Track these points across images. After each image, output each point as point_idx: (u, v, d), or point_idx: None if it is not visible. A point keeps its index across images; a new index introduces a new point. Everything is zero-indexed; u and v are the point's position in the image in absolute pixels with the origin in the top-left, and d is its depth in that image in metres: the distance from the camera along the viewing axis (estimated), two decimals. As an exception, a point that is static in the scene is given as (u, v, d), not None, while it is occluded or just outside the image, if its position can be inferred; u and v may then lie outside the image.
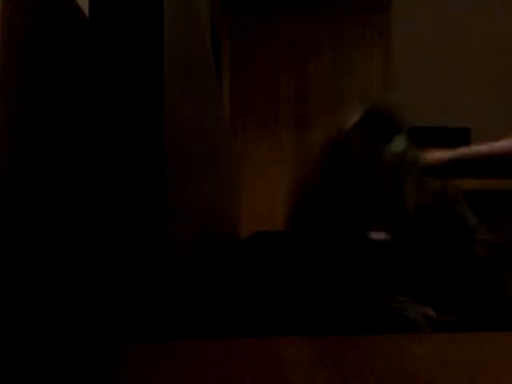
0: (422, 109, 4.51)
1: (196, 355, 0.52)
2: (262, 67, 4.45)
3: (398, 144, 1.00)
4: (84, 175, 0.60)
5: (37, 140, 0.53)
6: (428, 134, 4.28)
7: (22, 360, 0.48)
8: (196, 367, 0.50)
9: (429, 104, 4.55)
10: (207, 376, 0.49)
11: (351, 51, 4.48)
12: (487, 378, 0.49)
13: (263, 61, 4.46)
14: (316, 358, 0.51)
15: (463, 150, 1.15)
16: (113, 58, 0.57)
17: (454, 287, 0.83)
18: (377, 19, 4.35)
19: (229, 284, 0.87)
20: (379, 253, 0.83)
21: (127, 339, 0.53)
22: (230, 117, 4.18)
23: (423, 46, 4.51)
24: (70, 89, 0.61)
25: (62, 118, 0.59)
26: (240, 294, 0.80)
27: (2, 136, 0.47)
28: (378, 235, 0.86)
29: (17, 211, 0.49)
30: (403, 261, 0.84)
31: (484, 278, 0.86)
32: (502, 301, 0.83)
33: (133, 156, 0.56)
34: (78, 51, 0.63)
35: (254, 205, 4.12)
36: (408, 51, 4.57)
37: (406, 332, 0.73)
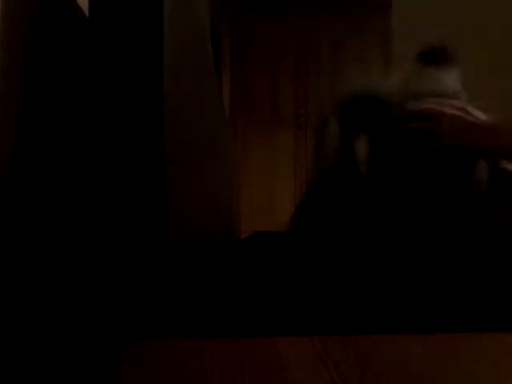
0: (422, 109, 4.49)
1: (196, 355, 0.52)
2: (261, 67, 4.45)
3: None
4: (84, 175, 0.60)
5: (37, 139, 0.53)
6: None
7: (22, 359, 0.48)
8: (196, 367, 0.50)
9: (429, 104, 4.53)
10: (207, 376, 0.49)
11: (351, 51, 4.47)
12: (488, 377, 0.49)
13: (263, 61, 4.46)
14: (316, 358, 0.51)
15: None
16: (113, 57, 0.57)
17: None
18: (377, 19, 4.34)
19: (228, 284, 0.87)
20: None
21: (127, 339, 0.53)
22: (230, 117, 4.18)
23: (423, 46, 4.49)
24: (70, 88, 0.61)
25: (63, 117, 0.59)
26: (239, 294, 0.80)
27: (2, 136, 0.47)
28: None
29: (18, 211, 0.49)
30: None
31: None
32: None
33: (133, 156, 0.56)
34: (77, 51, 0.63)
35: (254, 205, 4.12)
36: (408, 51, 4.56)
37: None
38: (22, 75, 0.51)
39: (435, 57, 0.94)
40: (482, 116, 0.87)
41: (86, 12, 0.61)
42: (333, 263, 0.82)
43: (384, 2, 4.32)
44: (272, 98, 4.43)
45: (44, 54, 0.55)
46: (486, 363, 0.51)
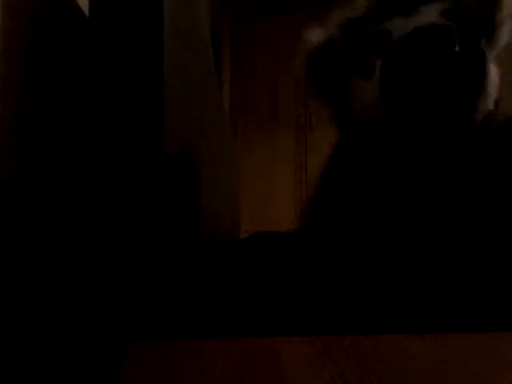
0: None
1: (196, 355, 0.52)
2: (262, 67, 4.45)
3: None
4: (84, 174, 0.60)
5: (37, 139, 0.53)
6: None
7: (22, 360, 0.48)
8: (196, 367, 0.50)
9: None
10: (207, 376, 0.49)
11: (351, 51, 4.46)
12: (488, 377, 0.49)
13: (263, 61, 4.46)
14: (316, 358, 0.51)
15: None
16: (113, 57, 0.57)
17: None
18: (377, 19, 4.34)
19: (227, 284, 0.87)
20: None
21: (127, 339, 0.53)
22: (230, 117, 4.18)
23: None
24: (70, 88, 0.61)
25: (63, 117, 0.59)
26: (239, 294, 0.80)
27: (2, 135, 0.47)
28: None
29: (18, 211, 0.49)
30: None
31: None
32: None
33: (133, 156, 0.56)
34: (77, 51, 0.63)
35: (254, 205, 4.12)
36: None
37: None
38: (21, 75, 0.51)
39: None
40: None
41: (86, 12, 0.61)
42: (332, 263, 0.82)
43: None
44: (272, 98, 4.43)
45: (44, 53, 0.55)
46: (487, 363, 0.51)
